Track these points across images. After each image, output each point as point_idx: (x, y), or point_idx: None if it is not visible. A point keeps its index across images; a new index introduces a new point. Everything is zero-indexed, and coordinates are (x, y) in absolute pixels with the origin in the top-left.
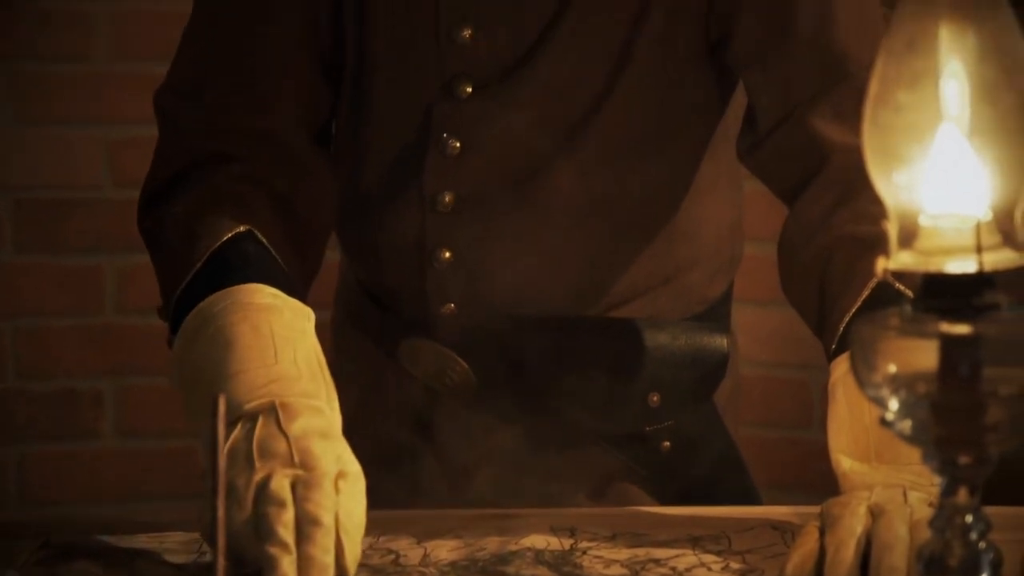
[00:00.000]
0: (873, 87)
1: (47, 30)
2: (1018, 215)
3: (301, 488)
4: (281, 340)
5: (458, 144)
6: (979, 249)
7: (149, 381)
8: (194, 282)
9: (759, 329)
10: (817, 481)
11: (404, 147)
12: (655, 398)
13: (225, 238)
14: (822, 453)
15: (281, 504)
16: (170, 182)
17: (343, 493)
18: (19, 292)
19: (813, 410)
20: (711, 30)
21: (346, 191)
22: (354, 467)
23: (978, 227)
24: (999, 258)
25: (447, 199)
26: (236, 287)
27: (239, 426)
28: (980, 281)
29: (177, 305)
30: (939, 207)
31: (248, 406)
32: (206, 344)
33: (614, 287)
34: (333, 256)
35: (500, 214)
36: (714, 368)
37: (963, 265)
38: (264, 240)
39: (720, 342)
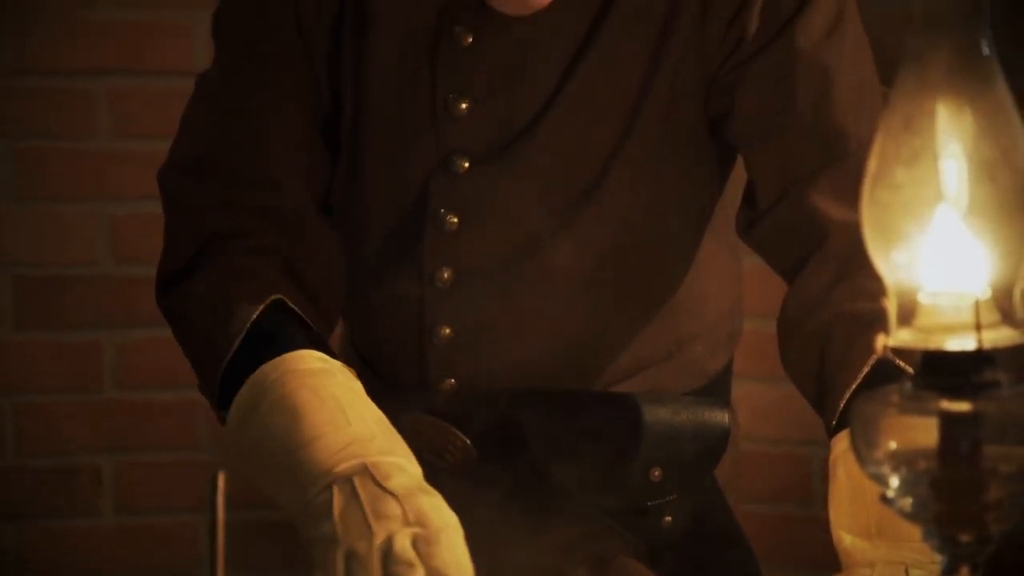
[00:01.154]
0: (871, 165)
1: (49, 107)
2: (1016, 293)
3: (423, 545)
4: (345, 402)
5: (456, 219)
6: (978, 327)
7: (149, 457)
8: (235, 356)
9: (759, 404)
10: (819, 557)
11: (402, 221)
12: (656, 473)
13: (259, 309)
14: (823, 529)
15: (410, 564)
16: (188, 261)
17: (453, 545)
18: (18, 368)
19: (814, 486)
20: (711, 107)
21: (346, 261)
22: (453, 518)
23: (977, 305)
24: (998, 336)
25: (446, 275)
26: (285, 355)
27: (335, 491)
28: (980, 359)
29: (222, 380)
30: (938, 285)
31: (338, 469)
32: (269, 414)
33: (615, 362)
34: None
35: (500, 289)
36: (715, 443)
37: (962, 343)
38: (294, 307)
39: (721, 417)
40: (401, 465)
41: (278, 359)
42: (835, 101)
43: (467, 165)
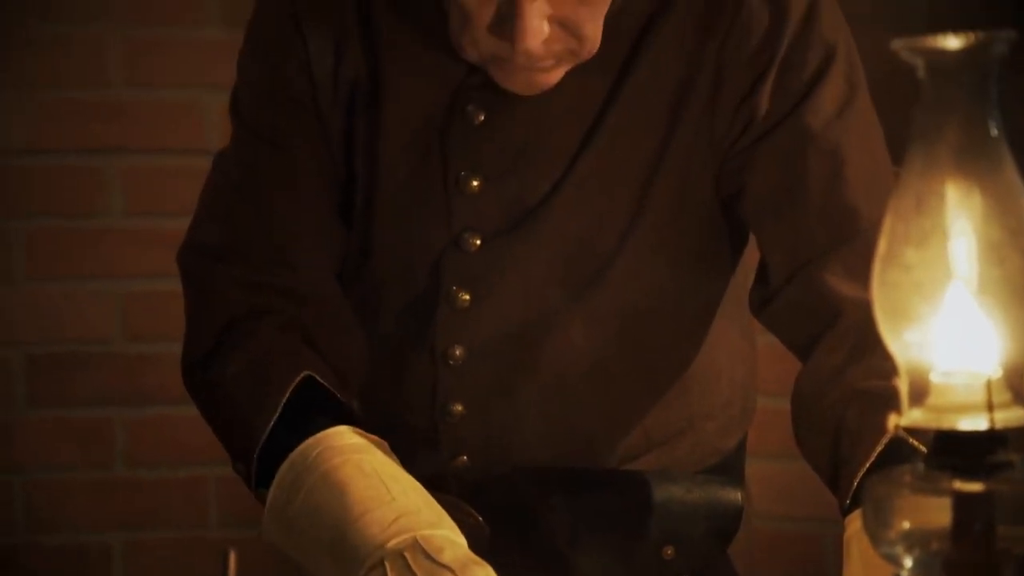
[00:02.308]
0: (882, 245)
1: (61, 185)
2: None
3: None
4: (387, 477)
5: (468, 296)
6: (990, 407)
7: (159, 535)
8: (271, 435)
9: (773, 482)
10: None
11: (414, 298)
12: (669, 551)
13: (291, 387)
14: None
15: None
16: (214, 343)
17: None
18: (29, 445)
19: (828, 565)
20: (723, 186)
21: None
22: None
23: (989, 385)
24: (1011, 416)
25: (458, 352)
26: (325, 432)
27: (387, 567)
28: (992, 439)
29: (259, 460)
30: (950, 364)
31: (391, 544)
32: (314, 492)
33: (628, 439)
34: None
35: (512, 367)
36: (729, 521)
37: (975, 422)
38: (324, 383)
39: (734, 495)
40: (451, 538)
41: (319, 435)
42: (846, 180)
43: (479, 242)
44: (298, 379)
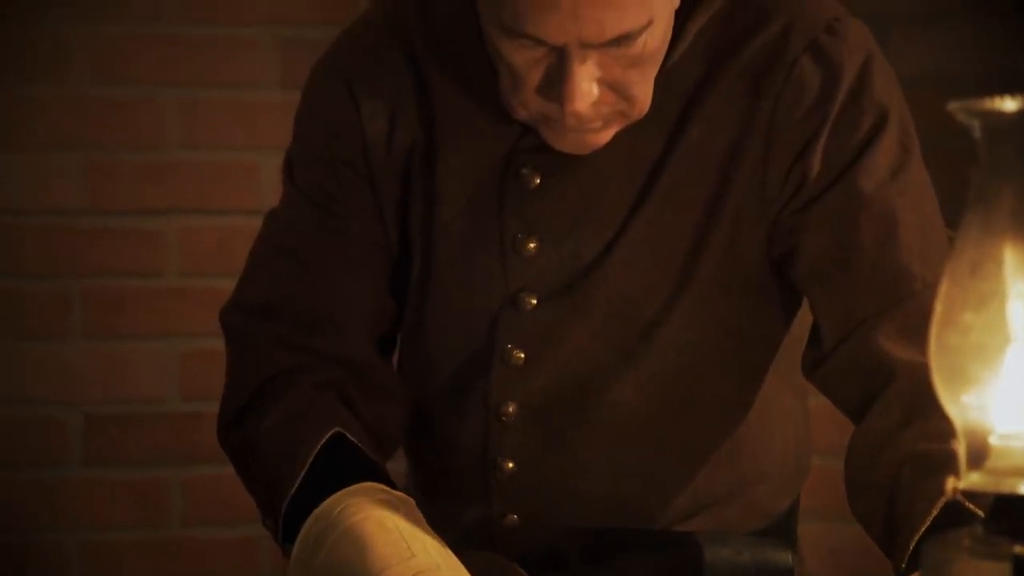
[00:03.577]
0: (938, 309)
1: (119, 246)
2: None
3: None
4: (408, 533)
5: (522, 355)
6: None
7: None
8: (298, 490)
9: (825, 544)
10: None
11: (469, 356)
12: None
13: (320, 443)
14: None
15: None
16: (250, 398)
17: None
18: (85, 505)
19: None
20: (774, 248)
21: (411, 395)
22: None
23: None
24: None
25: (511, 409)
26: (349, 488)
27: None
28: None
29: (286, 515)
30: (1009, 427)
31: None
32: (336, 547)
33: (678, 499)
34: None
35: (564, 425)
36: None
37: None
38: (354, 440)
39: (785, 557)
40: None
41: (342, 492)
42: (900, 243)
43: (534, 302)
44: (328, 436)
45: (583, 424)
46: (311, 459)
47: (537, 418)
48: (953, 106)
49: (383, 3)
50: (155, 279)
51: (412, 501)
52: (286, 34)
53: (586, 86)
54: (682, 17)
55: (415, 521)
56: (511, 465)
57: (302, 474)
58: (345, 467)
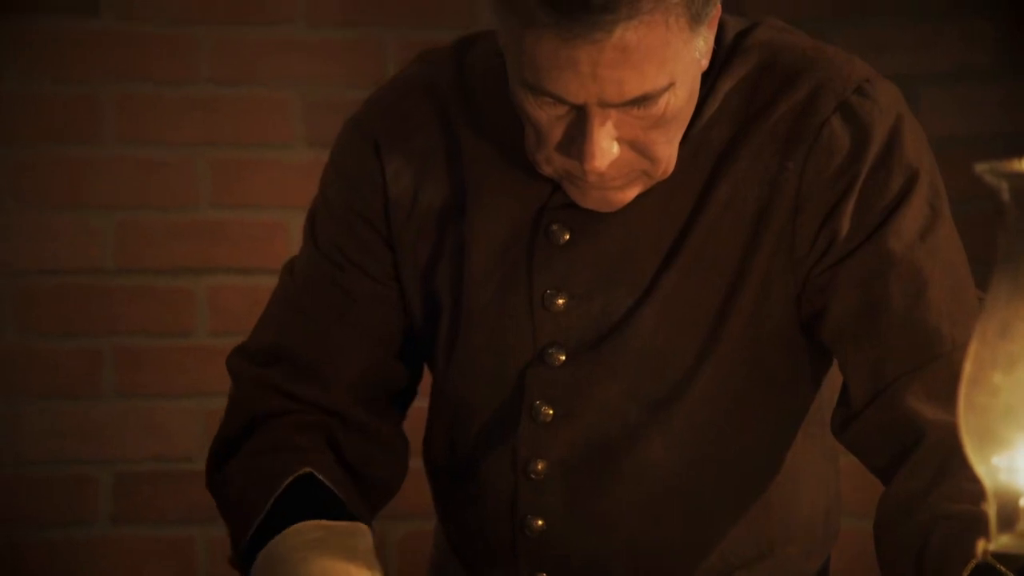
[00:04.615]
0: (968, 369)
1: (148, 305)
2: None
3: None
4: (332, 569)
5: (551, 411)
6: None
7: None
8: (260, 529)
9: None
10: None
11: (498, 411)
12: None
13: (286, 484)
14: None
15: None
16: (233, 439)
17: None
18: (116, 563)
19: None
20: (803, 307)
21: (443, 449)
22: None
23: None
24: None
25: (539, 466)
26: (289, 529)
27: None
28: None
29: (247, 551)
30: None
31: None
32: None
33: (706, 560)
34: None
35: (593, 482)
36: None
37: None
38: (322, 477)
39: None
40: None
41: (283, 533)
42: (929, 303)
43: (563, 358)
44: (294, 476)
45: (612, 482)
46: (273, 499)
47: (566, 476)
48: (981, 168)
49: (419, 62)
50: (185, 338)
51: (362, 528)
52: (314, 95)
53: (606, 145)
54: (712, 77)
55: (347, 548)
56: (540, 523)
57: (263, 513)
58: (302, 508)
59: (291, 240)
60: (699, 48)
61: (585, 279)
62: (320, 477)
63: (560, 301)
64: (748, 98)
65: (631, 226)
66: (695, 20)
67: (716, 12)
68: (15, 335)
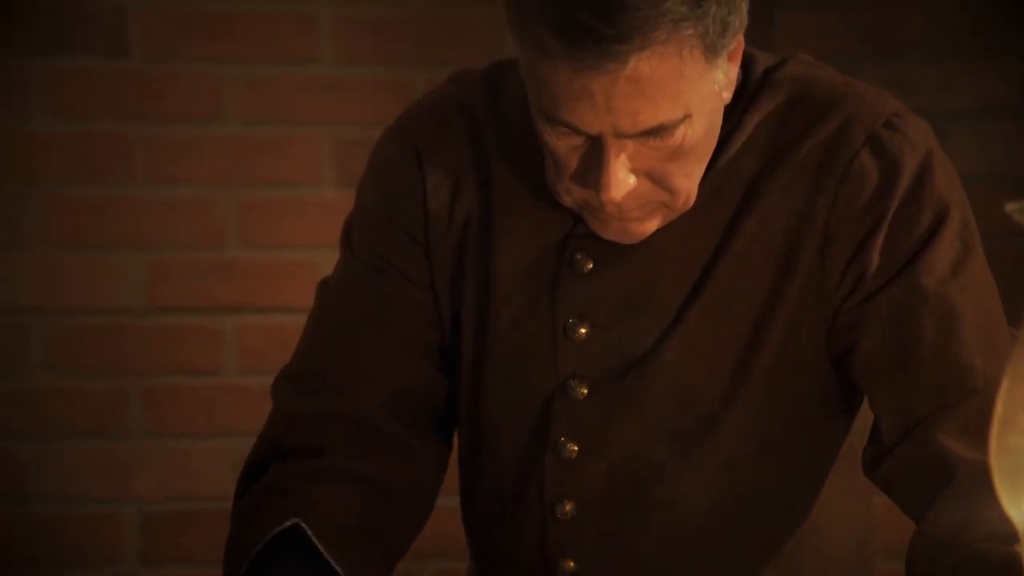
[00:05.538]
0: (999, 409)
1: (177, 345)
2: None
3: None
4: None
5: (576, 448)
6: None
7: None
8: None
9: None
10: None
11: (524, 445)
12: None
13: (270, 536)
14: None
15: None
16: (247, 474)
17: None
18: None
19: None
20: (833, 343)
21: (474, 488)
22: None
23: None
24: None
25: (567, 507)
26: None
27: None
28: None
29: None
30: None
31: None
32: None
33: None
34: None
35: (623, 522)
36: None
37: None
38: (309, 531)
39: None
40: None
41: None
42: (961, 340)
43: (585, 391)
44: (279, 529)
45: (642, 521)
46: (256, 551)
47: (595, 516)
48: (1011, 207)
49: (454, 81)
50: (213, 377)
51: None
52: (342, 134)
53: (622, 176)
54: (739, 111)
55: None
56: (571, 565)
57: (246, 564)
58: (280, 563)
59: (319, 279)
60: (718, 81)
61: (607, 309)
62: (306, 529)
63: (582, 331)
64: (777, 132)
65: (655, 256)
66: (711, 51)
67: (737, 46)
68: (44, 374)
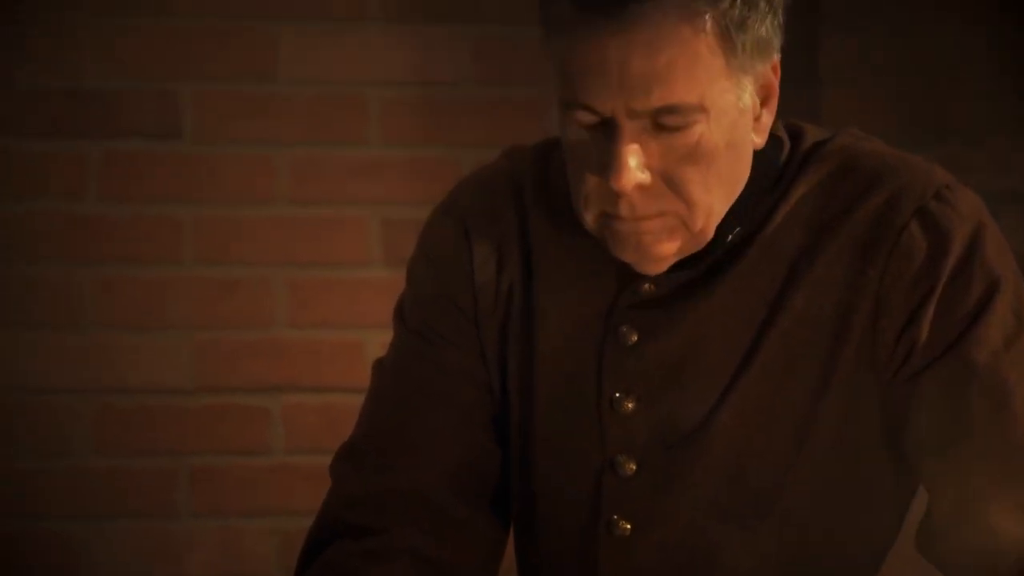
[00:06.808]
0: None
1: (225, 426)
2: None
3: None
4: None
5: (628, 526)
6: None
7: None
8: None
9: None
10: None
11: (574, 524)
12: None
13: None
14: None
15: None
16: (306, 552)
17: None
18: None
19: None
20: (887, 414)
21: (529, 566)
22: None
23: None
24: None
25: None
26: None
27: None
28: None
29: None
30: None
31: None
32: None
33: None
34: None
35: None
36: None
37: None
38: None
39: None
40: None
41: None
42: (1015, 416)
43: (634, 467)
44: None
45: None
46: None
47: None
48: None
49: (505, 155)
50: (260, 456)
51: None
52: (390, 215)
53: (633, 163)
54: (786, 181)
55: None
56: None
57: None
58: None
59: (368, 359)
60: (742, 98)
61: (652, 382)
62: None
63: (628, 405)
64: (823, 204)
65: (699, 327)
66: (726, 40)
67: (769, 77)
68: (93, 454)
